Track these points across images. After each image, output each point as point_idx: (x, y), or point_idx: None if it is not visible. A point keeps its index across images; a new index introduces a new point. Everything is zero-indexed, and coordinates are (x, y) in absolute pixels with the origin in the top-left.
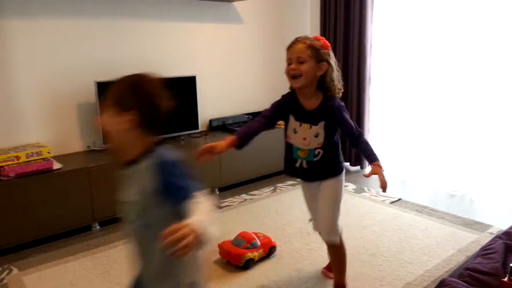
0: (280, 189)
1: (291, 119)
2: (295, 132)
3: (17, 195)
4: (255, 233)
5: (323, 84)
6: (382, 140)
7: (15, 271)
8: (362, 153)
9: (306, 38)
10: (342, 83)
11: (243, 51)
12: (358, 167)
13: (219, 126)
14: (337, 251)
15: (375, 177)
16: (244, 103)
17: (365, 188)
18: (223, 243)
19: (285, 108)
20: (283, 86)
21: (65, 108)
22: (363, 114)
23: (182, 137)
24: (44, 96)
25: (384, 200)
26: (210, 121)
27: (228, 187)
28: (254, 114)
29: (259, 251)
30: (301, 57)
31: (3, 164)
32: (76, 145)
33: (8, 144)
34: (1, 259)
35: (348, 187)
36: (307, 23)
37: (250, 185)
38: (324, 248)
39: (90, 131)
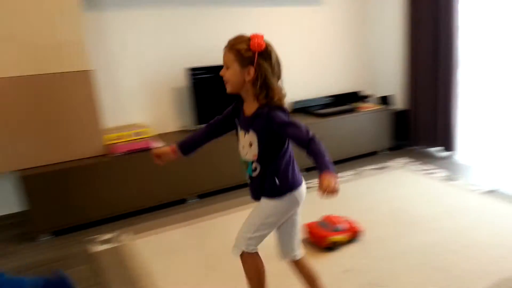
0: (364, 173)
1: (238, 125)
2: (238, 140)
3: (126, 169)
4: (341, 217)
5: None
6: (474, 127)
7: (127, 235)
8: (314, 159)
9: (235, 39)
10: (283, 90)
11: (325, 33)
12: (450, 152)
13: (302, 108)
14: (244, 267)
15: (468, 165)
16: (327, 85)
17: (457, 176)
18: (309, 224)
19: (233, 115)
20: (366, 68)
21: (162, 92)
22: (451, 98)
23: None
24: (141, 80)
25: (477, 190)
26: (294, 103)
27: (311, 168)
28: (336, 96)
29: (344, 235)
30: (225, 62)
31: (113, 142)
32: (171, 125)
33: (116, 123)
34: (116, 224)
35: (437, 174)
36: (395, 2)
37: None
38: (413, 238)
39: (184, 112)
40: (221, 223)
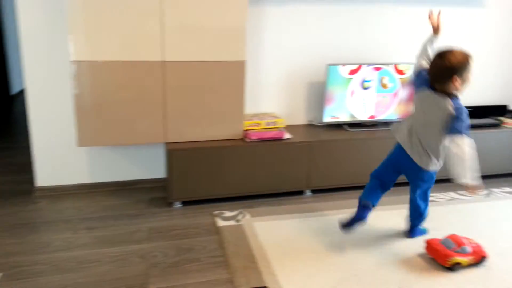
0: (496, 195)
1: None
2: None
3: (256, 156)
4: (466, 238)
5: None
6: None
7: (247, 216)
8: None
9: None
10: None
11: (483, 39)
12: None
13: None
14: None
15: None
16: (471, 95)
17: None
18: (431, 240)
19: None
20: None
21: (297, 85)
22: None
23: None
24: (281, 72)
25: None
26: None
27: (437, 181)
28: (482, 108)
29: (469, 257)
30: None
31: (249, 128)
32: (300, 118)
33: (251, 110)
34: (237, 204)
35: None
36: None
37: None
38: None
39: (314, 107)
40: (336, 221)
